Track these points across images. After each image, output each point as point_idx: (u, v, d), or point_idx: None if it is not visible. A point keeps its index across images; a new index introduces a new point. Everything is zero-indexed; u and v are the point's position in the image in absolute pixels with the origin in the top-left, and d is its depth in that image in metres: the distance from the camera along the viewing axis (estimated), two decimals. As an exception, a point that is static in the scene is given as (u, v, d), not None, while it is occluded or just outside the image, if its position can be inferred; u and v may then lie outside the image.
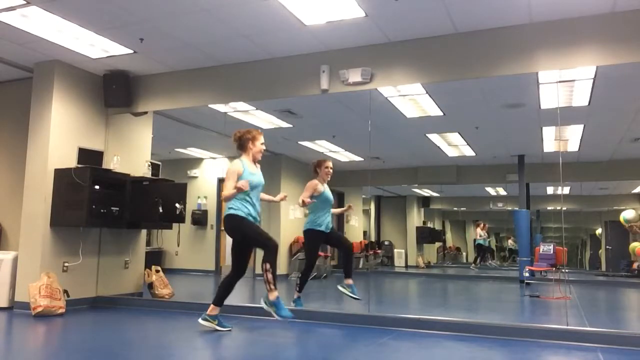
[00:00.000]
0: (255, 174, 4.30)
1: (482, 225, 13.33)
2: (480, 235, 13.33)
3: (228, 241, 10.15)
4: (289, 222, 9.73)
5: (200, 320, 4.35)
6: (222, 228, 10.01)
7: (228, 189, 4.12)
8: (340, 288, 5.18)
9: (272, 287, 4.07)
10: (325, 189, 5.24)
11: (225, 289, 4.37)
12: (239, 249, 4.38)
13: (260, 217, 4.35)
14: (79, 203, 5.42)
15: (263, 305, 4.17)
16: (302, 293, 5.22)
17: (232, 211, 4.19)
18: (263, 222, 4.42)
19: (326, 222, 5.17)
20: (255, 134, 4.36)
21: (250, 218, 4.21)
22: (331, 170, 5.31)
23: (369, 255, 12.18)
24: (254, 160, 4.37)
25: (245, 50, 5.32)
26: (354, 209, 10.76)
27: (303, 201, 4.99)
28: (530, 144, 8.66)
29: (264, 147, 4.39)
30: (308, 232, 5.19)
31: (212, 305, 4.36)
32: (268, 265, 4.05)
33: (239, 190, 4.07)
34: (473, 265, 13.71)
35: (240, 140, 4.35)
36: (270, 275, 4.05)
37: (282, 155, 9.54)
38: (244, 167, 4.23)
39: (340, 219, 11.39)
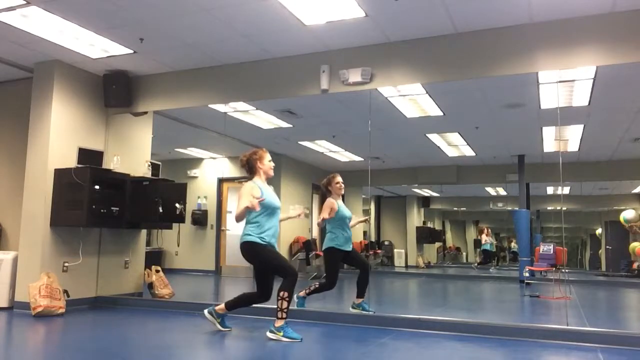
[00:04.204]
0: (272, 196, 4.22)
1: (486, 230, 13.33)
2: (486, 241, 13.33)
3: (228, 242, 10.17)
4: (289, 222, 9.66)
5: (205, 312, 4.36)
6: (223, 228, 10.08)
7: (240, 207, 4.00)
8: (353, 310, 5.11)
9: (284, 315, 4.00)
10: (340, 205, 5.21)
11: (244, 301, 4.35)
12: (262, 273, 4.27)
13: (277, 240, 4.25)
14: (79, 203, 5.42)
15: (269, 334, 4.05)
16: (307, 297, 5.21)
17: (248, 238, 4.09)
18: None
19: (346, 239, 5.13)
20: (261, 153, 4.29)
21: (267, 243, 4.11)
22: (343, 185, 5.25)
23: (369, 256, 12.16)
24: (267, 178, 4.30)
25: (245, 50, 5.32)
26: (352, 206, 10.71)
27: (319, 223, 5.05)
28: (530, 144, 8.66)
29: (272, 164, 4.32)
30: (328, 251, 5.14)
31: (223, 305, 4.34)
32: (286, 294, 3.97)
33: (251, 208, 3.94)
34: (476, 265, 13.72)
35: (248, 164, 4.28)
36: (285, 304, 3.98)
37: (282, 155, 9.54)
38: (261, 191, 4.11)
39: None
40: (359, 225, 5.98)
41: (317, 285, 5.21)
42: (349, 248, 5.16)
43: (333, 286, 5.11)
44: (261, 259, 4.15)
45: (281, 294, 4.00)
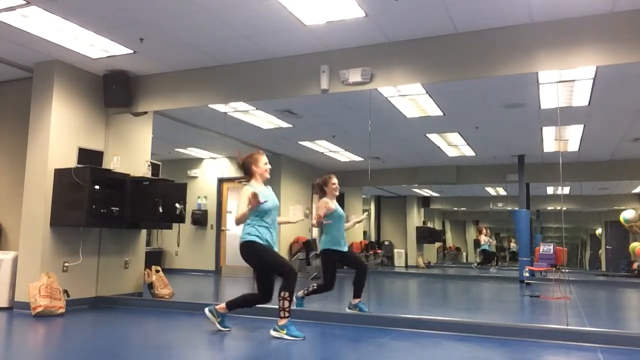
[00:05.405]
0: (269, 197, 4.22)
1: (485, 231, 13.32)
2: (485, 241, 13.33)
3: (228, 242, 10.16)
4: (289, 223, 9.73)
5: (206, 310, 4.37)
6: (223, 228, 10.07)
7: (241, 208, 4.02)
8: (349, 310, 5.12)
9: (287, 314, 4.02)
10: (336, 206, 5.22)
11: (245, 302, 4.36)
12: (262, 274, 4.28)
13: (276, 242, 4.25)
14: (79, 203, 5.42)
15: (272, 333, 4.08)
16: (306, 297, 5.22)
17: (248, 237, 4.10)
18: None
19: (341, 239, 5.14)
20: (256, 156, 4.31)
21: (267, 244, 4.12)
22: (338, 186, 5.27)
23: (369, 255, 12.16)
24: (264, 181, 4.31)
25: (245, 50, 5.32)
26: (352, 205, 10.68)
27: (318, 222, 5.03)
28: (530, 144, 8.66)
29: (269, 167, 4.33)
30: (325, 253, 5.14)
31: (224, 305, 4.34)
32: (287, 294, 4.00)
33: (253, 205, 3.96)
34: (475, 265, 13.72)
35: (244, 167, 4.30)
36: (287, 303, 4.00)
37: (282, 155, 9.55)
38: (257, 192, 4.13)
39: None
40: (359, 225, 5.98)
41: (315, 287, 5.21)
42: (345, 248, 5.17)
43: (331, 288, 5.12)
44: (261, 259, 4.16)
45: (282, 294, 4.03)
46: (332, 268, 5.15)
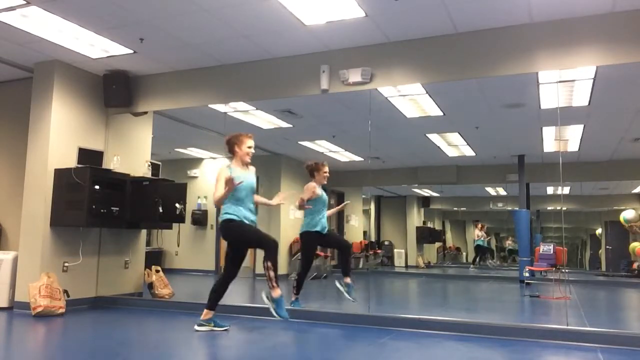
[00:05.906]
0: (241, 176, 4.24)
1: (480, 225, 13.34)
2: (479, 236, 13.33)
3: (228, 241, 10.16)
4: (289, 222, 9.73)
5: (196, 327, 4.36)
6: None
7: (218, 190, 4.13)
8: (338, 285, 5.23)
9: (275, 284, 4.09)
10: (321, 191, 5.29)
11: (217, 292, 4.41)
12: (234, 252, 4.40)
13: (256, 220, 4.35)
14: (79, 203, 5.41)
15: (264, 298, 4.17)
16: (300, 294, 5.24)
17: (227, 216, 4.21)
18: (264, 222, 4.41)
19: (322, 223, 5.21)
20: (242, 137, 4.36)
21: (247, 221, 4.22)
22: (328, 174, 5.37)
23: (369, 255, 12.17)
24: (243, 164, 4.37)
25: (245, 50, 5.32)
26: (352, 205, 10.69)
27: (300, 204, 5.08)
28: (530, 144, 8.66)
29: (251, 150, 4.37)
30: (304, 235, 5.25)
31: (205, 310, 4.37)
32: (269, 264, 4.06)
33: (228, 188, 4.05)
34: (472, 265, 13.72)
35: (228, 144, 4.38)
36: (272, 273, 4.06)
37: (282, 155, 9.54)
38: (230, 171, 4.23)
39: (340, 219, 11.37)
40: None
41: (296, 278, 5.33)
42: (324, 232, 5.23)
43: (308, 269, 5.27)
44: (240, 235, 4.25)
45: (265, 264, 4.08)
46: (309, 251, 5.31)
